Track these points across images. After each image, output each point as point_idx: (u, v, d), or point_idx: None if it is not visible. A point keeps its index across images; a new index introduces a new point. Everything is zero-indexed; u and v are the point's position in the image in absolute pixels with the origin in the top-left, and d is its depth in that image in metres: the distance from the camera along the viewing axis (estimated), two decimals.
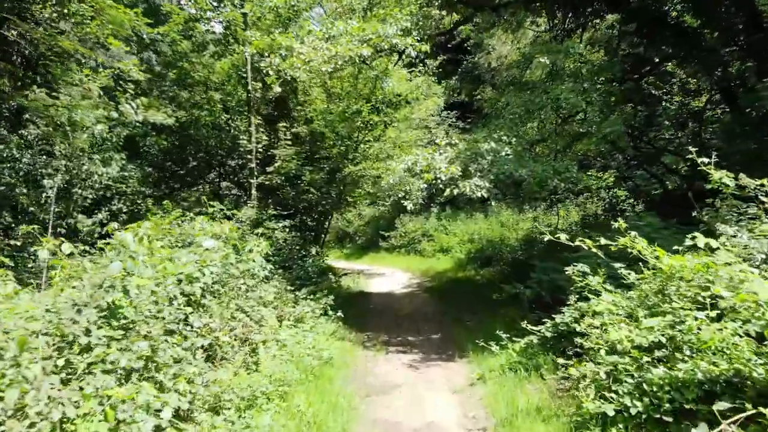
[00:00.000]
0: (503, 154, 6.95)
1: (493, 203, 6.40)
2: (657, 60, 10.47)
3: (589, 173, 11.24)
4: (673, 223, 7.15)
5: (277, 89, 7.60)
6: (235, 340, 5.10)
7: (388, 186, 7.03)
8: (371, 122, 11.83)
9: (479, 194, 6.39)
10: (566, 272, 6.73)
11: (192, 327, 4.37)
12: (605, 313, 4.64)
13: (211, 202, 8.20)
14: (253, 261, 6.10)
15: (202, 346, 4.25)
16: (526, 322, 5.60)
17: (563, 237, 4.48)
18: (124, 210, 10.01)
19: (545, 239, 4.63)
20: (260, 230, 7.90)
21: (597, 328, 4.75)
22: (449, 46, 19.71)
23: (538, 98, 7.38)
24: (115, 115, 9.59)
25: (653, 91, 11.22)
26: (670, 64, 10.99)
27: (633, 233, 4.54)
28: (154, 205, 10.35)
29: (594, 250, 4.54)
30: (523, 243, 11.88)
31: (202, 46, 11.55)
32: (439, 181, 6.69)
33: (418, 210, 18.57)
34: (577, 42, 7.40)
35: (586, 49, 9.19)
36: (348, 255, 18.64)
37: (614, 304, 4.62)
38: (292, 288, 8.04)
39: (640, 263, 5.11)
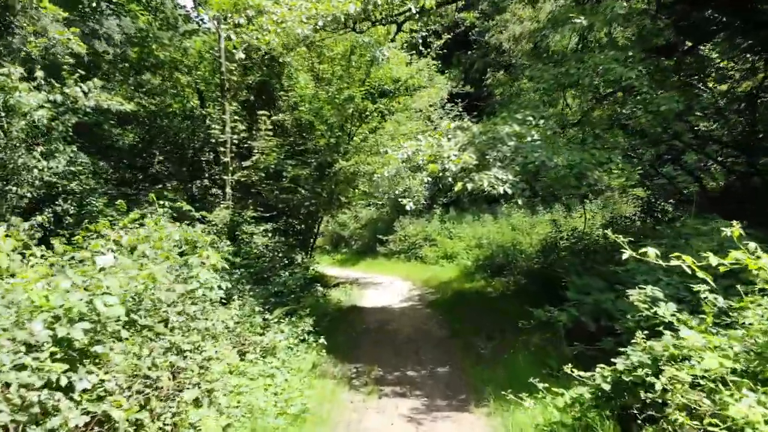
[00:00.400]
0: (529, 139, 5.40)
1: (519, 201, 4.85)
2: (690, 44, 8.96)
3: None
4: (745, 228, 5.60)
5: (241, 55, 6.08)
6: (158, 398, 3.54)
7: (381, 180, 5.48)
8: (366, 111, 10.29)
9: (501, 189, 4.84)
10: (614, 292, 5.23)
11: (73, 393, 2.83)
12: (704, 360, 3.08)
13: (160, 200, 6.66)
14: (198, 280, 4.54)
15: (78, 427, 2.69)
16: (570, 367, 4.04)
17: (652, 252, 2.90)
18: (71, 211, 8.47)
19: (624, 257, 3.02)
20: (209, 239, 6.32)
21: (685, 383, 3.21)
22: (452, 34, 18.20)
23: (572, 69, 5.83)
24: (59, 98, 8.06)
25: (688, 79, 9.71)
26: (704, 47, 9.49)
27: (752, 245, 2.97)
28: (108, 206, 8.83)
29: (699, 273, 2.96)
30: (541, 249, 10.33)
31: (170, 23, 10.04)
32: (447, 173, 5.14)
33: (419, 211, 17.02)
34: (618, 1, 5.84)
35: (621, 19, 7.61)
36: (343, 261, 17.07)
37: (723, 353, 3.05)
38: (265, 308, 6.50)
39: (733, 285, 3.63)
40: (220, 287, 5.10)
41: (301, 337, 6.10)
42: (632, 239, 5.72)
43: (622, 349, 4.00)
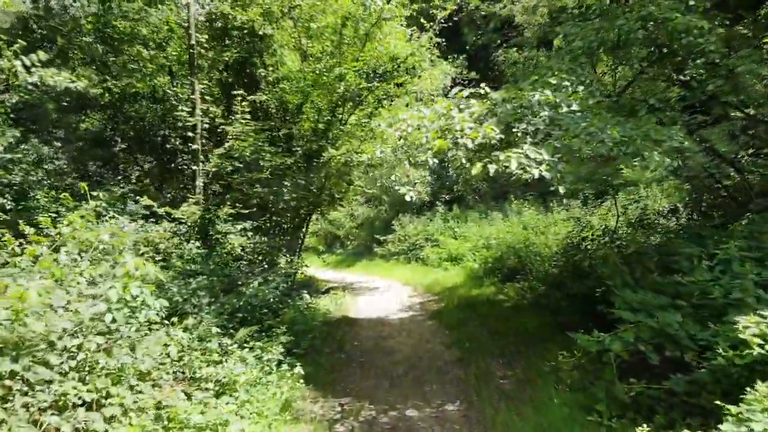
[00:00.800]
0: (566, 109, 4.11)
1: (560, 189, 3.58)
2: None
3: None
4: None
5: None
6: None
7: (374, 161, 4.17)
8: (360, 95, 8.97)
9: (535, 172, 3.54)
10: (677, 310, 3.95)
11: None
12: None
13: (94, 192, 5.36)
14: (107, 301, 3.23)
15: None
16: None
17: None
18: (8, 206, 7.16)
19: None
20: (143, 239, 5.04)
21: None
22: (456, 19, 16.89)
23: (621, 20, 4.52)
24: None
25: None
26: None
27: None
28: (53, 202, 7.54)
29: None
30: (562, 252, 9.03)
31: None
32: (460, 152, 3.84)
33: (420, 208, 15.75)
34: None
35: None
36: (337, 263, 15.78)
37: None
38: (228, 326, 5.21)
39: None
40: (151, 306, 3.80)
41: (273, 365, 4.80)
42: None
43: (727, 406, 2.72)
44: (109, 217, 7.49)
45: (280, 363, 4.92)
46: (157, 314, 4.05)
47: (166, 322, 4.20)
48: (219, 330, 4.79)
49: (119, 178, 8.71)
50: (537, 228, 10.67)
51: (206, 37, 8.11)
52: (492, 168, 3.59)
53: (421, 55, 9.72)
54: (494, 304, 8.38)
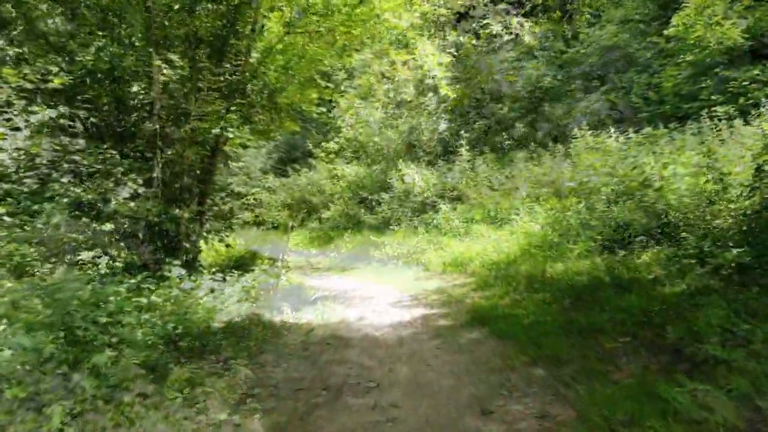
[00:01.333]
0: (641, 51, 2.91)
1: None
2: None
3: None
4: None
5: None
6: None
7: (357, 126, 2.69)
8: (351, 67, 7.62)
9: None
10: None
11: None
12: None
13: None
14: None
15: None
16: None
17: None
18: None
19: None
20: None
21: None
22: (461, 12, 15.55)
23: None
24: None
25: None
26: None
27: None
28: None
29: None
30: (585, 254, 7.71)
31: None
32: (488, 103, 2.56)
33: (421, 207, 14.42)
34: None
35: None
36: (330, 267, 14.42)
37: None
38: (164, 365, 3.86)
39: None
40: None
41: (217, 420, 3.44)
42: None
43: None
44: (45, 215, 6.19)
45: (231, 413, 3.57)
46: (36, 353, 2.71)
47: (49, 366, 2.85)
48: (144, 371, 3.44)
49: (66, 166, 7.36)
50: (557, 230, 9.31)
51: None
52: (543, 129, 2.22)
53: (421, 28, 8.37)
54: (511, 319, 7.00)
